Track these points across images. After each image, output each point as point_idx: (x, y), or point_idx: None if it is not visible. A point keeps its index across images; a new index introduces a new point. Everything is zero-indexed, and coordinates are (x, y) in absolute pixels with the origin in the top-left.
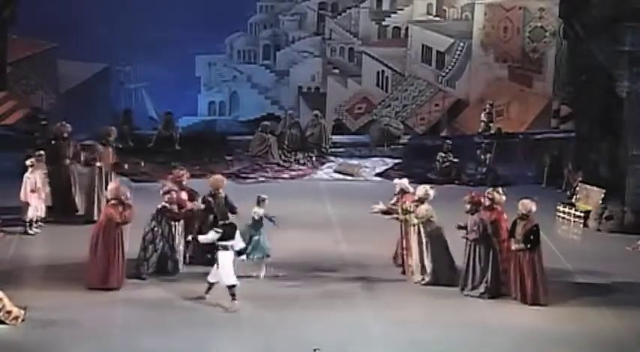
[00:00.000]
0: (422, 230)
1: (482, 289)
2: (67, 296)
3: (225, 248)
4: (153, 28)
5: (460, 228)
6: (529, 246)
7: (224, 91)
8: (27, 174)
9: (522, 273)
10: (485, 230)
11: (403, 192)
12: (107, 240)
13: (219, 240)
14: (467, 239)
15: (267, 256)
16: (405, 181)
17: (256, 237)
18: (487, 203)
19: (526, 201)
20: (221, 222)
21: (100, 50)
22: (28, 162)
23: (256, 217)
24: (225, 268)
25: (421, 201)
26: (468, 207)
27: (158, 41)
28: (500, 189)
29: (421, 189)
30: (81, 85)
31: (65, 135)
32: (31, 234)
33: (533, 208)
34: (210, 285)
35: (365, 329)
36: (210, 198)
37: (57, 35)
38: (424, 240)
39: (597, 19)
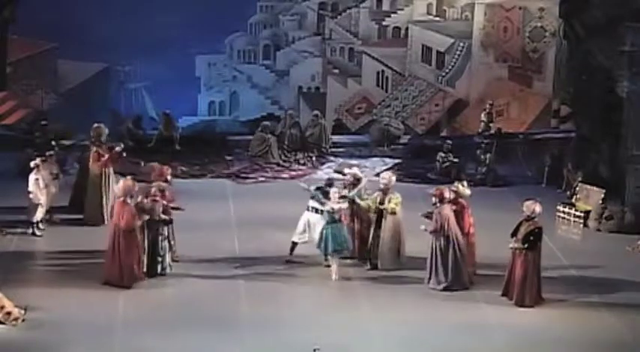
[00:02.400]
0: (390, 219)
1: (444, 283)
2: (68, 296)
3: (314, 209)
4: (153, 28)
5: (426, 216)
6: (526, 245)
7: (224, 91)
8: (34, 175)
9: (514, 272)
10: (443, 224)
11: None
12: (122, 239)
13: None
14: (426, 230)
15: (337, 251)
16: (356, 169)
17: (325, 231)
18: (452, 196)
19: (529, 203)
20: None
21: (100, 50)
22: (32, 164)
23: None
24: (314, 227)
25: (387, 189)
26: (433, 200)
27: (158, 41)
28: (464, 182)
29: (384, 178)
30: (81, 84)
31: (102, 138)
32: (39, 235)
33: (537, 209)
34: (294, 245)
35: (365, 329)
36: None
37: (57, 35)
38: (399, 228)
39: (597, 19)
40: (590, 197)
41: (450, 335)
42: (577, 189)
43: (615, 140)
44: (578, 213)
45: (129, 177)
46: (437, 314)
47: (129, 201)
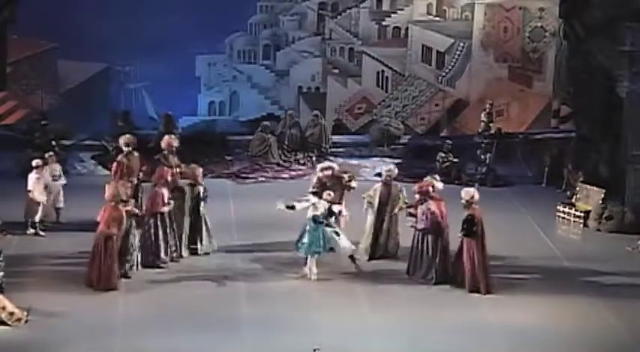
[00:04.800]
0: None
1: (429, 276)
2: (68, 296)
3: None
4: (153, 28)
5: (410, 214)
6: (462, 233)
7: (224, 91)
8: (34, 175)
9: (462, 260)
10: (434, 221)
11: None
12: (102, 243)
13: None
14: (415, 228)
15: (316, 253)
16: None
17: (313, 232)
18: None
19: (468, 189)
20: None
21: (100, 50)
22: (33, 163)
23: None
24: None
25: (391, 181)
26: (417, 196)
27: (158, 41)
28: (437, 176)
29: (388, 170)
30: (81, 85)
31: (174, 148)
32: (42, 236)
33: (476, 195)
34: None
35: (365, 329)
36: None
37: (57, 35)
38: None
39: (597, 19)
40: (590, 197)
41: (449, 335)
42: (577, 189)
43: (615, 140)
44: (578, 213)
45: (112, 182)
46: (437, 314)
47: (118, 204)
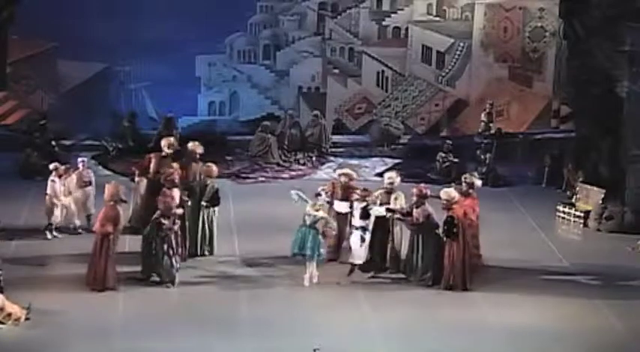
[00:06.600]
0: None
1: (426, 277)
2: (69, 297)
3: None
4: (153, 28)
5: (403, 214)
6: (443, 235)
7: (224, 91)
8: (50, 178)
9: (442, 258)
10: (424, 221)
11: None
12: (98, 242)
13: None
14: (400, 219)
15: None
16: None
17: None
18: (464, 189)
19: (447, 190)
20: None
21: (100, 50)
22: (51, 166)
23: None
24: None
25: (392, 189)
26: (414, 199)
27: (158, 41)
28: (475, 173)
29: (389, 177)
30: (81, 85)
31: (197, 155)
32: (48, 239)
33: (443, 195)
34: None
35: (365, 329)
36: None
37: (57, 35)
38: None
39: (597, 19)
40: (590, 197)
41: (449, 336)
42: (577, 189)
43: (615, 140)
44: (578, 213)
45: (113, 182)
46: (437, 314)
47: (116, 204)
